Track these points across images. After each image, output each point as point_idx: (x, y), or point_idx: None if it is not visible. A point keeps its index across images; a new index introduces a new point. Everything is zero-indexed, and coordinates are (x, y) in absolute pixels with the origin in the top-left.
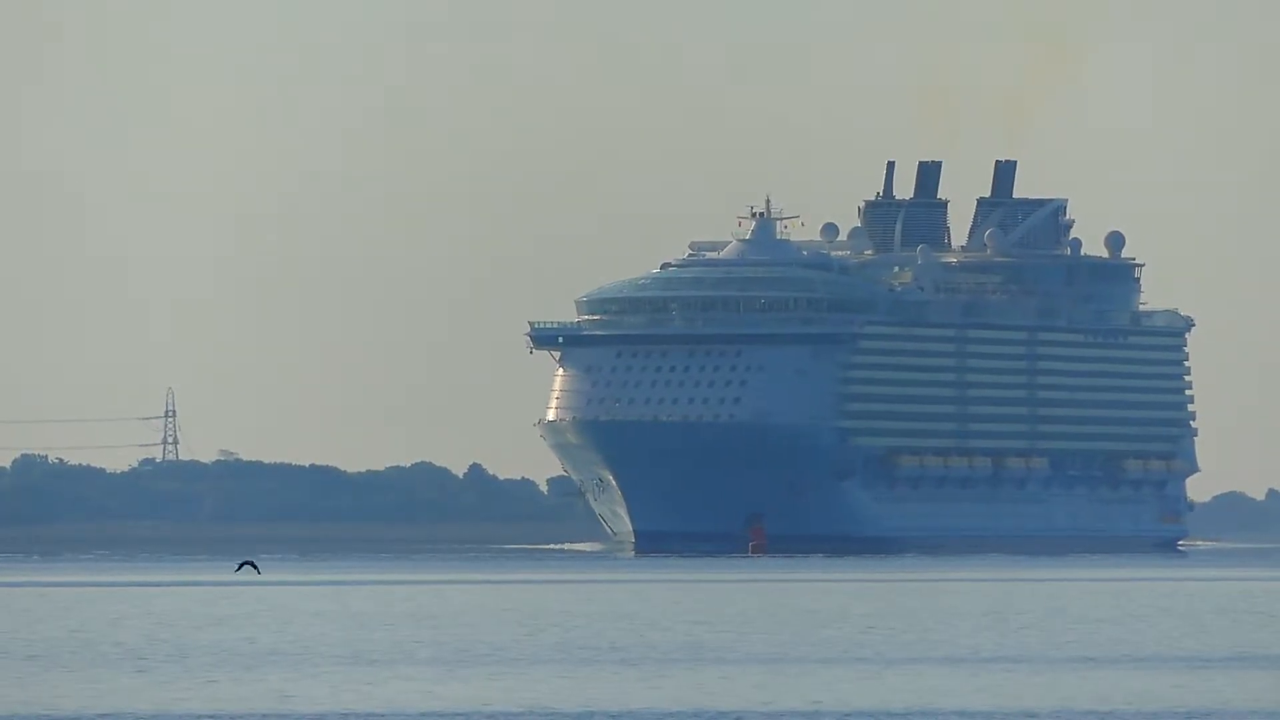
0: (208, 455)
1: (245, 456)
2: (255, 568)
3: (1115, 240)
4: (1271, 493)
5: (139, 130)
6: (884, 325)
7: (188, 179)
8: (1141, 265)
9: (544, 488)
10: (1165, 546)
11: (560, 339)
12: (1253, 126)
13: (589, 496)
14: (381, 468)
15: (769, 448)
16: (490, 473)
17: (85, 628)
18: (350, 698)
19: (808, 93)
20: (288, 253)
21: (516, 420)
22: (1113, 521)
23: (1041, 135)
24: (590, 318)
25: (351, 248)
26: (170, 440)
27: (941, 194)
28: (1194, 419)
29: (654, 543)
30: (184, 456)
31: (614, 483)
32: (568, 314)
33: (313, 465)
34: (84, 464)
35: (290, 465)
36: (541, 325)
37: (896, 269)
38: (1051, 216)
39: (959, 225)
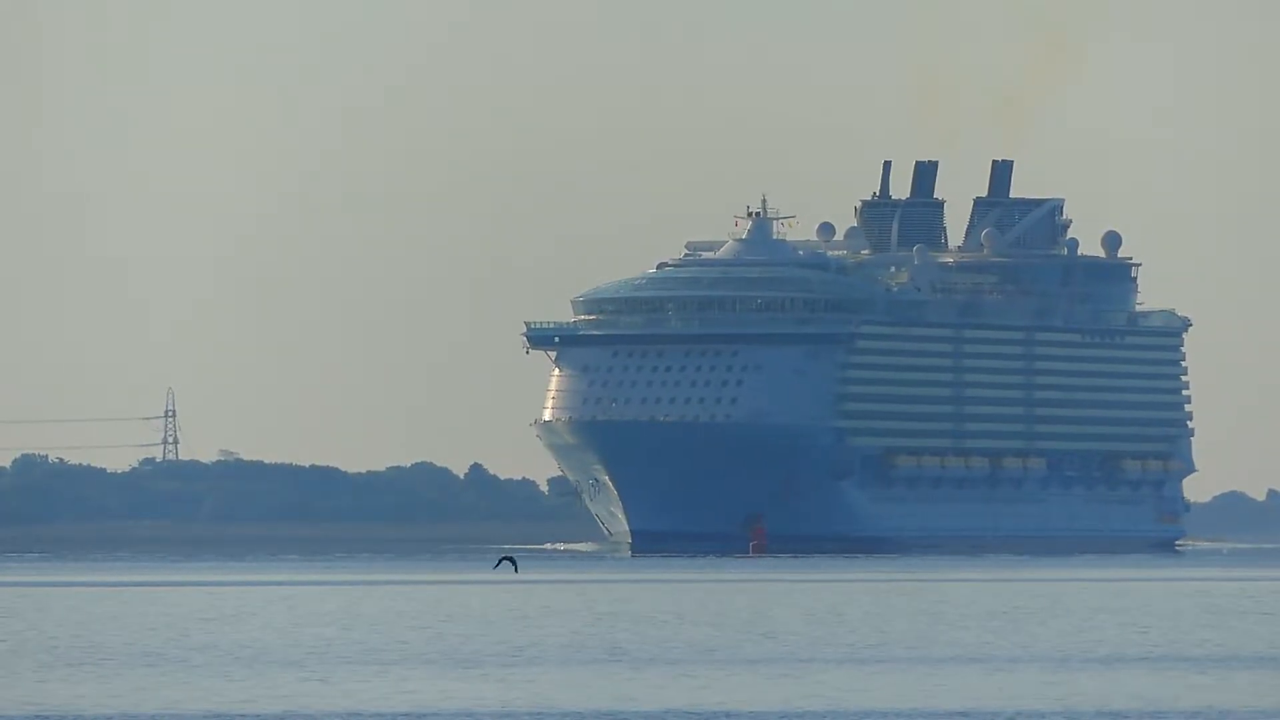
0: (208, 455)
1: (245, 456)
2: (514, 564)
3: (1112, 240)
4: (1271, 493)
5: (139, 130)
6: (881, 325)
7: (188, 179)
8: (1138, 265)
9: (544, 488)
10: (1163, 547)
11: (556, 339)
12: (1250, 126)
13: (585, 497)
14: (381, 468)
15: (765, 448)
16: (490, 473)
17: (86, 627)
18: (351, 697)
19: (804, 92)
20: (288, 253)
21: (517, 420)
22: (1110, 522)
23: (1038, 135)
24: (586, 318)
25: (351, 248)
26: (170, 440)
27: (938, 194)
28: (1191, 419)
29: (650, 543)
30: (184, 456)
31: (610, 483)
32: (564, 314)
33: (313, 465)
34: (84, 464)
35: (290, 465)
36: (537, 325)
37: (893, 269)
38: (1048, 216)
39: (956, 225)
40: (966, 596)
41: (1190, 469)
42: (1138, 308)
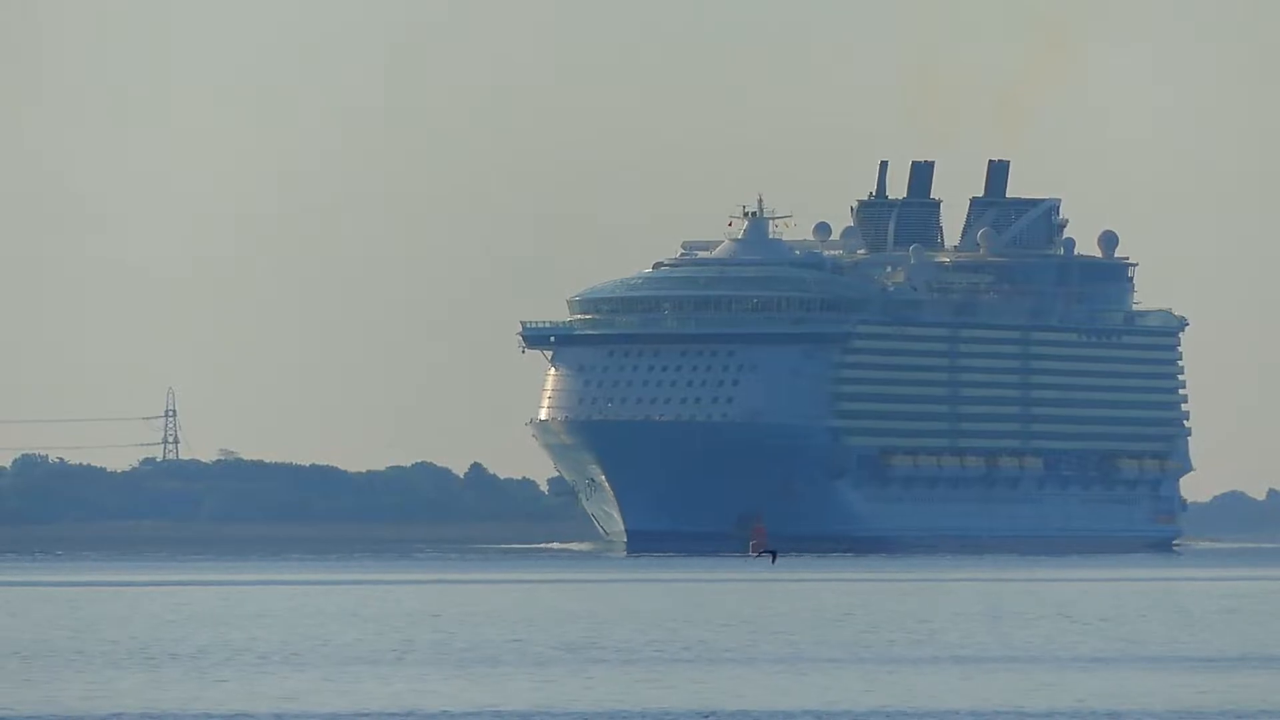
0: (208, 455)
1: (245, 456)
2: (774, 556)
3: (1109, 240)
4: (1271, 492)
5: (139, 130)
6: (877, 325)
7: (188, 179)
8: (1135, 265)
9: (544, 487)
10: (1160, 546)
11: (552, 338)
12: (1247, 126)
13: (580, 496)
14: (381, 468)
15: (761, 447)
16: (490, 473)
17: (86, 627)
18: (351, 697)
19: (800, 92)
20: (288, 253)
21: (517, 420)
22: (1107, 521)
23: (1035, 135)
24: (582, 317)
25: (350, 248)
26: (171, 440)
27: (934, 193)
28: (1188, 419)
29: (646, 542)
30: (184, 456)
31: (606, 482)
32: (560, 314)
33: (313, 465)
34: (84, 464)
35: (290, 465)
36: (533, 325)
37: (889, 268)
38: (1045, 216)
39: (952, 225)
40: (963, 596)
41: (1188, 469)
42: (1134, 307)
